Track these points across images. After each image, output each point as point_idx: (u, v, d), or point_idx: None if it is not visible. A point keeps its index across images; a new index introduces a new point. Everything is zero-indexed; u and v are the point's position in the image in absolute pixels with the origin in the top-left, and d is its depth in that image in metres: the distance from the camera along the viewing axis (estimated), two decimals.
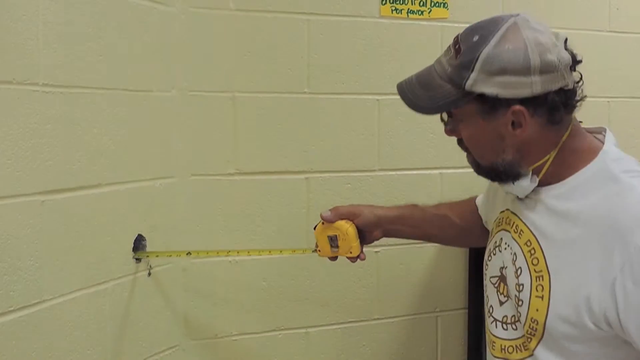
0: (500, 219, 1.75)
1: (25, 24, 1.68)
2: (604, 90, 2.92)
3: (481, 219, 2.01)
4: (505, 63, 1.44)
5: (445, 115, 1.62)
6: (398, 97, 2.56)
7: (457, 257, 2.75)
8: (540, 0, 2.81)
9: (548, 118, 1.50)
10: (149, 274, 2.17)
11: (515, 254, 1.61)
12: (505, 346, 1.65)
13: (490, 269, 1.74)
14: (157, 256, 2.12)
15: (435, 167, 2.67)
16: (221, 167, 2.38)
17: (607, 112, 2.93)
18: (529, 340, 1.57)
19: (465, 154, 1.66)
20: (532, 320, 1.54)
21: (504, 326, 1.65)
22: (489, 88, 1.45)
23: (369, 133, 2.57)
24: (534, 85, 1.45)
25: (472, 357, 2.77)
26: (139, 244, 2.10)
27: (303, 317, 2.53)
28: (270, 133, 2.44)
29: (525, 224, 1.61)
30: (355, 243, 1.88)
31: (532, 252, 1.56)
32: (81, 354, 1.89)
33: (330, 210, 1.89)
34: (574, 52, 1.54)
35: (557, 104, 1.49)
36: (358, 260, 1.93)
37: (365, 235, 1.94)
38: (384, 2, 2.56)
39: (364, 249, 1.94)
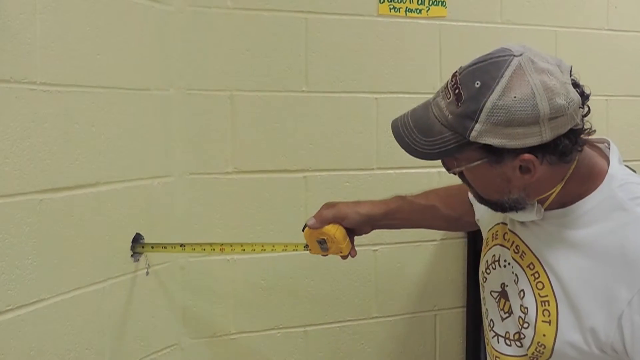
0: (495, 231, 1.72)
1: (22, 23, 1.68)
2: (602, 88, 2.92)
3: (473, 211, 1.95)
4: (512, 114, 1.35)
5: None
6: (396, 95, 2.58)
7: (455, 256, 2.75)
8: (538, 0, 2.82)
9: (558, 159, 1.43)
10: (147, 272, 2.16)
11: (517, 275, 1.59)
12: None
13: (490, 283, 1.72)
14: (152, 248, 2.11)
15: (434, 165, 2.65)
16: (219, 166, 2.38)
17: (605, 110, 2.93)
18: None
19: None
20: (539, 344, 1.52)
21: (507, 342, 1.64)
22: (495, 139, 1.38)
23: (367, 131, 2.57)
24: (544, 133, 1.37)
25: (471, 356, 2.78)
26: (137, 242, 2.10)
27: (301, 315, 2.53)
28: (268, 132, 2.43)
29: (527, 247, 1.58)
30: (344, 244, 1.88)
31: (536, 275, 1.54)
32: (79, 352, 1.89)
33: (314, 216, 1.86)
34: (581, 84, 1.47)
35: (567, 147, 1.42)
36: (349, 257, 1.92)
37: (354, 232, 1.92)
38: (382, 0, 2.56)
39: (357, 244, 1.94)
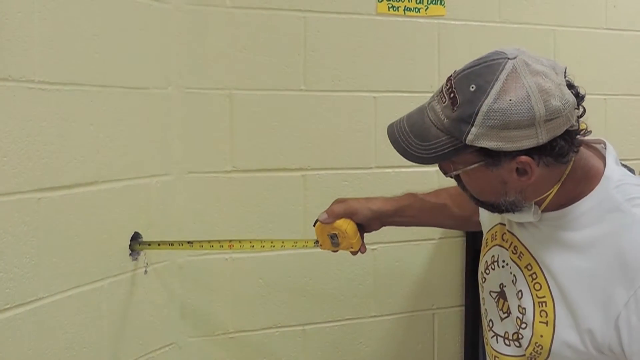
0: (494, 232, 1.72)
1: (21, 21, 1.68)
2: (600, 87, 2.92)
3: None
4: (508, 117, 1.35)
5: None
6: (395, 94, 2.58)
7: (454, 255, 2.75)
8: None
9: (555, 161, 1.43)
10: (146, 271, 2.16)
11: (515, 275, 1.59)
12: None
13: (489, 283, 1.72)
14: (158, 245, 2.11)
15: (432, 165, 2.66)
16: (218, 165, 2.38)
17: (604, 109, 2.93)
18: None
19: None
20: (537, 345, 1.52)
21: (507, 342, 1.64)
22: (492, 142, 1.37)
23: (366, 130, 2.57)
24: (540, 135, 1.37)
25: (469, 354, 2.78)
26: (135, 241, 2.10)
27: (300, 314, 2.53)
28: (267, 130, 2.43)
29: (525, 247, 1.58)
30: (355, 239, 1.88)
31: (534, 276, 1.54)
32: (78, 351, 1.89)
33: (326, 211, 1.88)
34: (576, 85, 1.46)
35: (563, 149, 1.42)
36: (359, 253, 1.93)
37: (364, 228, 1.93)
38: None
39: (365, 240, 1.94)
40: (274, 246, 2.03)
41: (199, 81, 2.33)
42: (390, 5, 2.57)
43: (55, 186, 1.80)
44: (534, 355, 1.54)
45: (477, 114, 1.36)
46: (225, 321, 2.43)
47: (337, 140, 2.53)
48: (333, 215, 1.86)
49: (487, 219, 1.80)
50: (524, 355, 1.58)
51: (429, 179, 2.65)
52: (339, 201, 1.91)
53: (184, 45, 2.30)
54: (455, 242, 2.76)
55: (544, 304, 1.51)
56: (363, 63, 2.55)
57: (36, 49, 1.73)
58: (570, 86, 1.44)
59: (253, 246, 2.03)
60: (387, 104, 2.58)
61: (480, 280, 1.78)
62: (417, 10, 2.62)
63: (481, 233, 2.67)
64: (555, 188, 1.49)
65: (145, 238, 2.12)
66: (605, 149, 1.57)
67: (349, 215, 1.87)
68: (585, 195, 1.49)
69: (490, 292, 1.70)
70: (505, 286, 1.63)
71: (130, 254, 2.09)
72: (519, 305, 1.57)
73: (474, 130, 1.37)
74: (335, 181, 2.54)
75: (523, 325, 1.56)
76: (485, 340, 1.75)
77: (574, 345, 1.46)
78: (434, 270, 2.73)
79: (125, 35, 2.07)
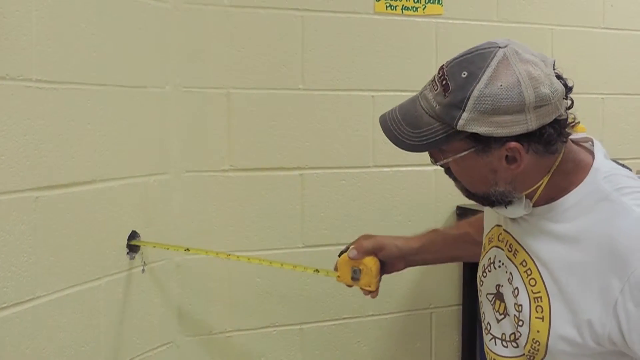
0: (492, 235, 1.73)
1: (18, 20, 1.68)
2: (598, 86, 2.92)
3: None
4: (499, 102, 1.37)
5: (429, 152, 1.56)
6: (392, 93, 2.58)
7: None
8: None
9: (544, 149, 1.44)
10: (143, 270, 2.16)
11: (511, 273, 1.59)
12: None
13: (486, 286, 1.72)
14: (154, 247, 2.12)
15: (430, 163, 2.65)
16: (215, 164, 2.38)
17: (602, 108, 2.93)
18: (531, 359, 1.56)
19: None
20: (534, 341, 1.53)
21: (504, 344, 1.64)
22: (482, 128, 1.39)
23: (364, 129, 2.57)
24: (529, 122, 1.38)
25: (466, 353, 2.78)
26: (133, 240, 2.10)
27: (297, 313, 2.53)
28: (264, 129, 2.43)
29: (519, 244, 1.58)
30: (375, 279, 1.89)
31: (529, 272, 1.54)
32: (75, 350, 1.89)
33: (354, 247, 1.87)
34: (564, 77, 1.47)
35: (552, 136, 1.43)
36: (370, 296, 1.94)
37: (387, 266, 1.94)
38: None
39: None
40: (271, 264, 2.04)
41: (196, 80, 2.33)
42: (387, 4, 2.57)
43: (52, 185, 1.79)
44: (533, 353, 1.54)
45: (468, 99, 1.38)
46: (222, 320, 2.43)
47: (334, 139, 2.53)
48: (362, 251, 1.87)
49: (486, 224, 1.80)
50: (523, 355, 1.58)
51: (426, 178, 2.66)
52: (366, 237, 1.92)
53: (182, 44, 2.30)
54: None
55: (539, 299, 1.51)
56: (361, 62, 2.55)
57: (34, 47, 1.73)
58: (559, 77, 1.46)
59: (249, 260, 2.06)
60: (385, 103, 2.57)
61: (478, 285, 1.78)
62: (414, 9, 2.62)
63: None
64: (545, 180, 1.50)
65: (142, 237, 2.12)
66: (593, 145, 1.58)
67: (377, 250, 1.89)
68: (575, 187, 1.50)
69: (487, 294, 1.70)
70: (501, 286, 1.63)
71: (127, 253, 2.09)
72: (515, 303, 1.57)
73: (465, 115, 1.39)
74: (333, 180, 2.54)
75: (520, 323, 1.56)
76: (484, 344, 1.75)
77: (570, 339, 1.46)
78: (431, 270, 2.72)
79: (123, 34, 2.07)
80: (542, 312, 1.50)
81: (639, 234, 1.40)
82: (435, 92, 1.45)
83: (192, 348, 2.39)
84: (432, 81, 1.49)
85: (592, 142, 1.60)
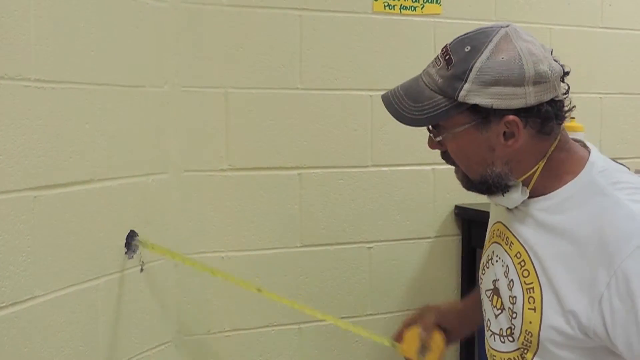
0: (492, 231, 1.73)
1: (17, 20, 1.68)
2: (596, 86, 2.93)
3: None
4: (500, 74, 1.42)
5: (430, 127, 1.59)
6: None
7: (450, 253, 2.76)
8: None
9: (539, 129, 1.48)
10: (141, 269, 2.16)
11: (507, 266, 1.60)
12: (504, 359, 1.65)
13: (485, 283, 1.73)
14: (152, 249, 2.12)
15: (428, 162, 2.67)
16: (214, 163, 2.38)
17: (599, 107, 2.93)
18: (525, 351, 1.56)
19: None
20: (527, 332, 1.53)
21: (502, 339, 1.64)
22: (483, 99, 1.43)
23: (362, 129, 2.57)
24: (528, 96, 1.43)
25: (465, 352, 2.78)
26: (131, 239, 2.10)
27: (296, 313, 2.52)
28: (263, 129, 2.44)
29: (514, 236, 1.59)
30: (440, 356, 1.86)
31: (522, 264, 1.55)
32: (73, 350, 1.89)
33: (421, 324, 1.85)
34: (562, 64, 1.52)
35: (549, 115, 1.46)
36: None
37: (449, 334, 1.91)
38: None
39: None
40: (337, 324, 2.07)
41: (195, 80, 2.33)
42: (386, 4, 2.57)
43: (51, 184, 1.79)
44: (526, 345, 1.54)
45: (470, 70, 1.43)
46: (221, 319, 2.43)
47: (333, 138, 2.53)
48: (429, 327, 1.85)
49: (489, 224, 1.81)
50: (517, 350, 1.59)
51: (425, 177, 2.67)
52: (427, 309, 1.91)
53: (180, 43, 2.30)
54: (451, 240, 2.76)
55: (531, 290, 1.52)
56: (359, 61, 2.55)
57: (32, 47, 1.73)
58: (556, 62, 1.50)
59: (260, 290, 2.06)
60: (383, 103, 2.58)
61: (479, 283, 1.79)
62: (413, 8, 2.62)
63: (477, 231, 2.69)
64: (540, 165, 1.52)
65: (141, 236, 2.12)
66: (587, 145, 1.60)
67: (440, 321, 1.87)
68: (570, 180, 1.51)
69: (485, 291, 1.71)
70: (497, 281, 1.64)
71: (125, 253, 2.09)
72: (509, 296, 1.58)
73: (466, 86, 1.43)
74: (332, 180, 2.54)
75: (514, 315, 1.57)
76: (485, 340, 1.76)
77: (560, 329, 1.47)
78: (430, 269, 2.73)
79: (122, 34, 2.06)
80: (534, 302, 1.51)
81: (628, 230, 1.41)
82: (439, 67, 1.50)
83: (191, 347, 2.39)
84: (435, 58, 1.54)
85: (584, 143, 1.62)
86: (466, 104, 1.45)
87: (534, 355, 1.54)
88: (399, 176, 2.64)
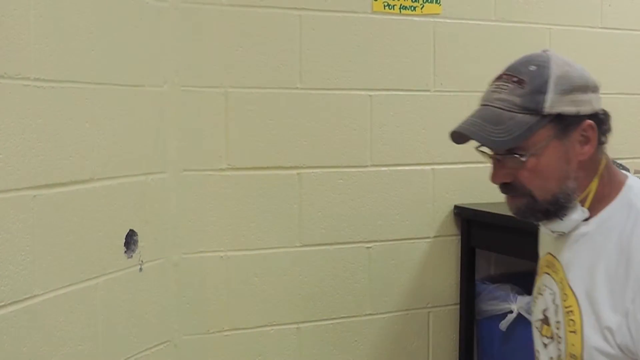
0: (542, 263, 1.74)
1: (16, 19, 1.68)
2: None
3: None
4: (573, 81, 1.48)
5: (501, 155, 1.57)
6: (390, 92, 2.58)
7: (449, 253, 2.76)
8: None
9: (599, 138, 1.53)
10: (141, 269, 2.16)
11: (554, 293, 1.62)
12: None
13: (535, 314, 1.74)
14: None
15: (427, 162, 2.67)
16: (213, 163, 2.38)
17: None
18: None
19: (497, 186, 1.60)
20: (571, 356, 1.54)
21: None
22: (566, 107, 1.48)
23: (361, 129, 2.57)
24: (593, 103, 1.51)
25: (464, 353, 2.78)
26: (130, 239, 2.10)
27: (295, 312, 2.53)
28: (262, 128, 2.43)
29: (559, 262, 1.61)
30: None
31: (562, 287, 1.57)
32: (73, 349, 1.89)
33: None
34: None
35: (607, 122, 1.54)
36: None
37: None
38: None
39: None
40: None
41: (194, 79, 2.33)
42: (385, 4, 2.57)
43: (50, 183, 1.79)
44: None
45: (548, 82, 1.48)
46: (220, 319, 2.43)
47: (332, 138, 2.53)
48: None
49: (541, 256, 1.80)
50: None
51: (424, 177, 2.67)
52: None
53: (180, 43, 2.30)
54: (450, 240, 2.76)
55: (570, 313, 1.53)
56: (359, 61, 2.55)
57: (32, 46, 1.73)
58: None
59: None
60: (382, 103, 2.58)
61: (531, 316, 1.79)
62: (412, 8, 2.62)
63: (476, 230, 2.70)
64: (595, 182, 1.54)
65: (140, 235, 2.12)
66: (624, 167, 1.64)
67: None
68: (611, 201, 1.54)
69: (535, 322, 1.72)
70: (547, 310, 1.65)
71: (125, 252, 2.09)
72: (555, 321, 1.59)
73: (549, 97, 1.47)
74: (331, 179, 2.54)
75: (559, 340, 1.58)
76: None
77: (601, 348, 1.48)
78: (429, 269, 2.73)
79: (121, 33, 2.07)
80: (574, 325, 1.53)
81: None
82: (509, 90, 1.51)
83: (190, 347, 2.39)
84: (495, 87, 1.54)
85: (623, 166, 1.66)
86: (550, 115, 1.47)
87: None
88: (398, 176, 2.64)
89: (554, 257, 1.64)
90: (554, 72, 1.48)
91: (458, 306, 2.78)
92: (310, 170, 2.51)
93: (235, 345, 2.45)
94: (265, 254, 2.46)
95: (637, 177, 1.61)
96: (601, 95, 1.56)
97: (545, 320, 1.66)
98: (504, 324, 2.58)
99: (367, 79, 2.57)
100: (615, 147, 1.63)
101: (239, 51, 2.39)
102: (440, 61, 2.67)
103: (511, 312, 2.56)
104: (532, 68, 1.49)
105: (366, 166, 2.60)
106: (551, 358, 1.64)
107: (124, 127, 2.08)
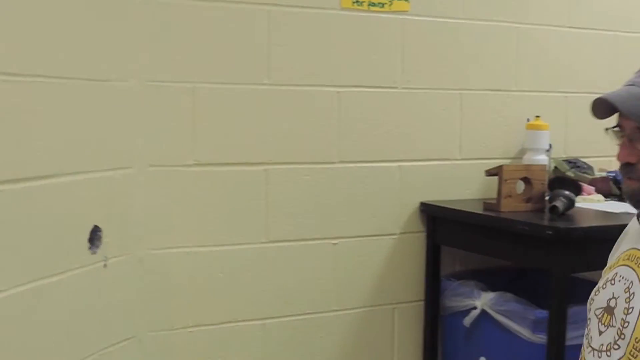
0: (619, 258, 1.76)
1: None
2: (561, 85, 2.94)
3: None
4: None
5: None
6: (358, 89, 2.59)
7: (415, 250, 2.77)
8: None
9: None
10: (105, 265, 2.15)
11: (631, 282, 1.64)
12: None
13: (596, 303, 1.75)
14: None
15: (394, 159, 2.68)
16: (180, 158, 2.36)
17: (565, 106, 2.95)
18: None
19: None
20: (637, 340, 1.56)
21: (599, 354, 1.66)
22: None
23: (329, 125, 2.57)
24: None
25: (428, 348, 2.80)
26: (94, 234, 2.08)
27: (260, 308, 2.53)
28: (229, 124, 2.43)
29: None
30: None
31: None
32: (36, 345, 1.87)
33: None
34: None
35: None
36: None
37: None
38: None
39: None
40: None
41: (161, 74, 2.31)
42: (354, 0, 2.57)
43: (15, 178, 1.78)
44: (634, 354, 1.56)
45: None
46: (185, 315, 2.42)
47: (299, 134, 2.53)
48: None
49: (618, 252, 1.83)
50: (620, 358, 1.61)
51: (391, 173, 2.68)
52: None
53: (147, 38, 2.28)
54: (416, 237, 2.77)
55: None
56: (327, 58, 2.55)
57: None
58: None
59: None
60: (350, 99, 2.59)
61: (588, 304, 1.80)
62: (381, 5, 2.62)
63: (442, 227, 2.71)
64: None
65: (104, 231, 2.10)
66: None
67: None
68: None
69: (595, 310, 1.73)
70: (613, 299, 1.67)
71: (89, 248, 2.07)
72: (625, 308, 1.61)
73: None
74: (298, 176, 2.54)
75: (625, 325, 1.59)
76: (582, 357, 1.77)
77: None
78: (394, 265, 2.74)
79: (87, 27, 2.05)
80: None
81: None
82: None
83: (154, 343, 2.37)
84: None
85: None
86: None
87: None
88: (364, 173, 2.65)
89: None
90: None
91: (423, 302, 2.80)
92: (277, 167, 2.51)
93: (200, 341, 2.45)
94: (231, 250, 2.45)
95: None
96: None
97: (609, 309, 1.68)
98: (467, 320, 2.59)
99: (334, 75, 2.57)
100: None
101: (207, 46, 2.37)
102: (408, 58, 2.67)
103: (475, 308, 2.57)
104: None
105: (333, 162, 2.60)
106: (602, 344, 1.67)
107: (90, 121, 2.06)
